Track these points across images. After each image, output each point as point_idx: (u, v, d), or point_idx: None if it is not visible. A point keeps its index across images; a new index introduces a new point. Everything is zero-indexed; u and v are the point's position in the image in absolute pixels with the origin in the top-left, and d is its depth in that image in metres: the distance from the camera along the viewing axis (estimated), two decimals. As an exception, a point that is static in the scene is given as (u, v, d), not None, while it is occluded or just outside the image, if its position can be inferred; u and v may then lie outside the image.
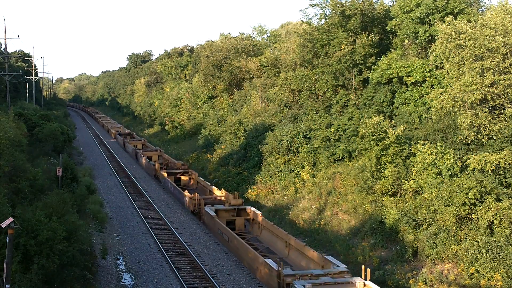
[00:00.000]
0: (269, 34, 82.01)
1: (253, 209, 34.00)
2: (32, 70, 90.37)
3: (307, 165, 39.15)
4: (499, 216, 23.09)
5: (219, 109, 67.42)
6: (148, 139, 79.09)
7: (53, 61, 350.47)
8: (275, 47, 67.72)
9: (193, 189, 45.06)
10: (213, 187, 42.00)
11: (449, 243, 24.10)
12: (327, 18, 43.06)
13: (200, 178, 46.30)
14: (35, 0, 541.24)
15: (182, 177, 48.12)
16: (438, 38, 28.99)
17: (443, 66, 31.61)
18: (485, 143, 26.93)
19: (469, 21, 30.49)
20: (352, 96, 40.03)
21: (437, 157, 27.25)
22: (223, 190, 39.86)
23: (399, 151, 30.11)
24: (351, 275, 22.81)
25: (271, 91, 54.36)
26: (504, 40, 26.38)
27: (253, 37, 76.47)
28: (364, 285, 21.84)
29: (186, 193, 39.60)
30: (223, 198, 37.76)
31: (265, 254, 27.72)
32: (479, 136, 26.98)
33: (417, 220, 26.51)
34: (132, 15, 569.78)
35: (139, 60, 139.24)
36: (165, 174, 47.17)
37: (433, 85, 33.77)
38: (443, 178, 26.57)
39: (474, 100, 26.37)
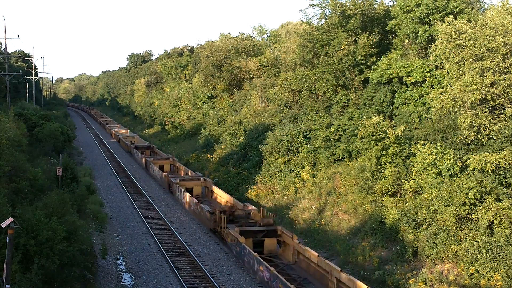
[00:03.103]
0: (269, 34, 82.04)
1: None
2: (32, 70, 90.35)
3: (307, 165, 39.14)
4: (499, 216, 23.09)
5: (219, 109, 67.41)
6: (149, 139, 78.96)
7: (53, 61, 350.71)
8: (275, 47, 67.72)
9: (291, 264, 27.77)
10: (336, 268, 23.91)
11: (449, 243, 24.10)
12: (327, 18, 43.07)
13: (302, 245, 27.16)
14: (35, 0, 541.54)
15: (267, 240, 29.38)
16: (438, 38, 28.99)
17: (443, 66, 31.61)
18: (485, 143, 26.93)
19: (469, 21, 30.48)
20: (352, 96, 40.04)
21: (437, 157, 27.24)
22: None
23: (399, 151, 30.11)
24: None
25: (271, 91, 54.35)
26: (504, 40, 26.38)
27: (253, 37, 76.50)
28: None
29: None
30: None
31: None
32: (479, 136, 26.98)
33: (417, 220, 26.50)
34: (132, 15, 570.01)
35: (139, 60, 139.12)
36: (242, 238, 27.98)
37: (433, 85, 33.78)
38: (443, 178, 26.56)
39: (474, 100, 26.37)
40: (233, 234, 28.78)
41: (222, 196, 39.55)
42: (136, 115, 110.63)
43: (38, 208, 22.01)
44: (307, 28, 46.24)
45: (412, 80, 34.55)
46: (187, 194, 39.17)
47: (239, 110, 60.69)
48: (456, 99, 27.07)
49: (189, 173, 48.00)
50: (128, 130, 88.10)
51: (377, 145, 30.38)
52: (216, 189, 41.10)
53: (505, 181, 24.99)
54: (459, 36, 27.41)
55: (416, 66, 34.52)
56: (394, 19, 38.21)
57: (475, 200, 23.72)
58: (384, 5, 42.21)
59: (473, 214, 23.95)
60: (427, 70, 34.29)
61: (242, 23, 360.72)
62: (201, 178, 43.76)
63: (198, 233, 33.56)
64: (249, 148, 47.64)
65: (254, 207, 33.26)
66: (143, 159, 56.65)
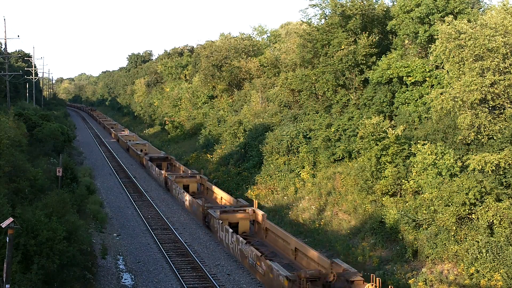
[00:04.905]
0: (269, 34, 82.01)
1: None
2: (32, 70, 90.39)
3: (307, 165, 39.14)
4: (499, 216, 23.09)
5: (219, 109, 67.42)
6: (149, 139, 78.82)
7: (53, 61, 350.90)
8: (275, 47, 67.70)
9: None
10: None
11: (449, 243, 24.10)
12: (327, 18, 43.06)
13: None
14: (35, 0, 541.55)
15: None
16: (438, 38, 28.99)
17: (443, 66, 31.61)
18: (485, 143, 26.93)
19: (469, 21, 30.48)
20: (352, 96, 40.05)
21: (437, 157, 27.25)
22: None
23: (399, 151, 30.12)
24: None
25: (271, 91, 54.35)
26: (504, 40, 26.39)
27: (253, 37, 76.48)
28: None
29: None
30: None
31: None
32: (479, 136, 26.98)
33: (417, 220, 26.50)
34: (132, 15, 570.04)
35: (139, 60, 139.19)
36: None
37: (433, 85, 33.77)
38: (443, 178, 26.56)
39: (474, 100, 26.37)
40: None
41: (285, 239, 28.17)
42: (136, 115, 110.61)
43: (38, 208, 22.01)
44: (307, 28, 46.23)
45: (412, 80, 34.54)
46: (240, 238, 27.89)
47: (239, 110, 60.67)
48: (456, 99, 27.07)
49: (229, 198, 37.68)
50: (135, 134, 79.87)
51: (377, 145, 30.38)
52: (272, 226, 30.20)
53: (505, 181, 24.99)
54: (459, 36, 27.41)
55: (416, 66, 34.51)
56: (394, 19, 38.19)
57: (475, 200, 23.72)
58: (384, 5, 42.21)
59: (473, 214, 23.95)
60: (427, 70, 34.28)
61: (242, 23, 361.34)
62: (248, 208, 32.68)
63: (198, 233, 33.55)
64: (249, 148, 47.63)
65: (353, 269, 22.68)
66: (163, 175, 45.96)
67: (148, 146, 66.83)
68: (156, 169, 50.05)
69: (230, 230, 29.17)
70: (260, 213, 31.75)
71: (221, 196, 39.20)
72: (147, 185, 48.28)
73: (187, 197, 38.50)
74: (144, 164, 56.37)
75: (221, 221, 30.82)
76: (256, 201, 33.86)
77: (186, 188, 42.74)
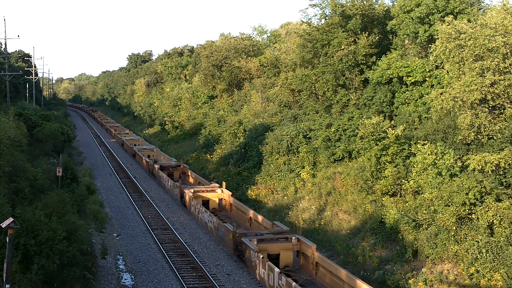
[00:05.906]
0: (269, 34, 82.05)
1: None
2: (32, 70, 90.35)
3: (307, 165, 39.14)
4: (499, 216, 23.08)
5: (219, 109, 67.42)
6: (149, 139, 78.78)
7: (53, 61, 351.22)
8: (275, 47, 67.70)
9: None
10: None
11: (449, 243, 24.09)
12: (327, 18, 43.08)
13: None
14: (35, 0, 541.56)
15: None
16: (438, 38, 28.99)
17: (443, 66, 31.62)
18: (485, 143, 26.93)
19: (469, 21, 30.48)
20: (352, 96, 40.06)
21: (437, 157, 27.25)
22: None
23: (399, 151, 30.12)
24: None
25: (271, 91, 54.36)
26: (504, 40, 26.39)
27: (253, 37, 76.50)
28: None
29: None
30: None
31: None
32: (479, 136, 26.98)
33: (417, 220, 26.50)
34: (132, 15, 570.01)
35: (139, 60, 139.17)
36: None
37: (433, 85, 33.78)
38: (443, 178, 26.56)
39: (474, 100, 26.37)
40: None
41: (348, 282, 22.23)
42: (136, 115, 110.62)
43: (38, 208, 22.01)
44: (307, 28, 46.24)
45: (412, 80, 34.54)
46: (293, 283, 21.40)
47: (239, 110, 60.68)
48: (456, 99, 27.07)
49: (259, 219, 31.82)
50: (142, 139, 74.39)
51: (377, 145, 30.39)
52: (325, 261, 24.58)
53: (505, 181, 24.98)
54: (459, 36, 27.41)
55: (416, 66, 34.52)
56: (394, 19, 38.20)
57: (475, 200, 23.72)
58: (384, 5, 42.23)
59: (473, 214, 23.94)
60: (427, 70, 34.28)
61: (242, 23, 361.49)
62: (291, 236, 27.10)
63: (198, 233, 33.54)
64: (249, 148, 47.63)
65: None
66: (179, 188, 40.15)
67: (156, 152, 60.86)
68: (170, 180, 44.12)
69: (277, 269, 22.90)
70: (308, 243, 25.77)
71: (250, 216, 32.97)
72: (147, 185, 48.28)
73: (212, 219, 32.37)
74: (153, 172, 50.58)
75: (261, 255, 24.77)
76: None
77: (205, 204, 37.30)
